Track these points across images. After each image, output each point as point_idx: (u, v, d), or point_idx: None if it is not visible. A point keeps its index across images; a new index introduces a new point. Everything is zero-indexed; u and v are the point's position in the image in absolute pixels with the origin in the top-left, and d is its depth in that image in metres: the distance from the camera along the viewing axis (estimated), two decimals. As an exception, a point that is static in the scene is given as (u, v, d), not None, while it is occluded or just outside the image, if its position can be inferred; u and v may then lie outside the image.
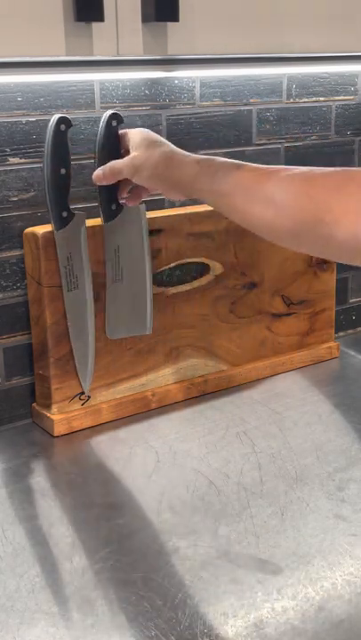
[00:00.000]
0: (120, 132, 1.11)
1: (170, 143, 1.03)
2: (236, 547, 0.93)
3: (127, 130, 1.09)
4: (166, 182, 1.01)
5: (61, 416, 1.21)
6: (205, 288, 1.32)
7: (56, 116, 1.10)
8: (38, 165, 1.19)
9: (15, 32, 0.82)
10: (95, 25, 0.86)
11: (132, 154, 1.04)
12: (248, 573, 0.88)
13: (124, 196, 1.15)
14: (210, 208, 1.30)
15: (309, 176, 0.81)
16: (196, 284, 1.31)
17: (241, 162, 0.93)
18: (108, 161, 1.14)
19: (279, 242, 0.86)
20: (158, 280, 1.27)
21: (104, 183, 1.09)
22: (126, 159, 1.04)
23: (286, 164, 1.37)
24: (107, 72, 1.16)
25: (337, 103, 1.49)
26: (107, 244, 1.20)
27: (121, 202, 1.15)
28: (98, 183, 1.10)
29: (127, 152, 1.07)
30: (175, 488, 1.06)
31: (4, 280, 1.20)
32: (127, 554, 0.92)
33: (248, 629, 0.80)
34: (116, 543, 0.94)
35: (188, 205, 1.34)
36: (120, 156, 1.09)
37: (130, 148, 1.06)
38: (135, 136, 1.05)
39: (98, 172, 1.09)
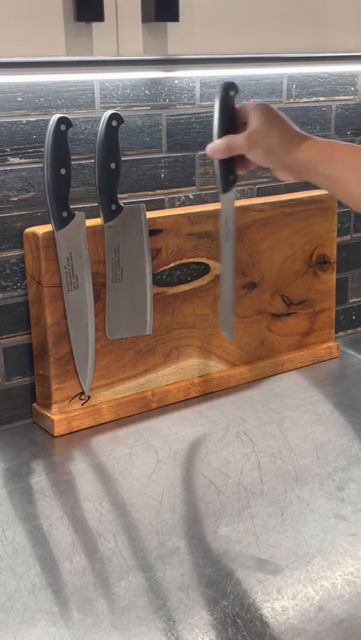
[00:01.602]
0: (237, 105, 1.06)
1: (291, 122, 1.01)
2: (236, 547, 0.93)
3: (246, 104, 1.05)
4: (280, 163, 0.99)
5: (61, 416, 1.21)
6: (205, 288, 1.32)
7: (56, 116, 1.10)
8: (38, 165, 1.19)
9: (15, 32, 0.82)
10: (95, 25, 0.86)
11: (250, 129, 1.01)
12: (248, 573, 0.88)
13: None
14: (210, 208, 1.31)
15: None
16: (196, 284, 1.31)
17: (358, 146, 0.93)
18: (107, 161, 1.14)
19: None
20: (158, 280, 1.27)
21: (218, 157, 1.06)
22: (243, 135, 1.01)
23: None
24: (107, 72, 1.16)
25: (337, 103, 1.49)
26: (107, 244, 1.20)
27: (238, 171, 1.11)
28: (212, 157, 1.06)
29: (243, 126, 1.03)
30: (175, 488, 1.06)
31: (3, 280, 1.20)
32: (127, 554, 0.92)
33: (248, 629, 0.80)
34: (115, 543, 0.94)
35: (189, 205, 1.34)
36: (235, 131, 1.05)
37: (249, 122, 1.02)
38: (255, 111, 1.01)
39: (213, 145, 1.05)
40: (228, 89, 1.06)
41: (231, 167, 1.11)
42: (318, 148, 0.96)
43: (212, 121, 1.10)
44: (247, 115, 1.03)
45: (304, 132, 0.99)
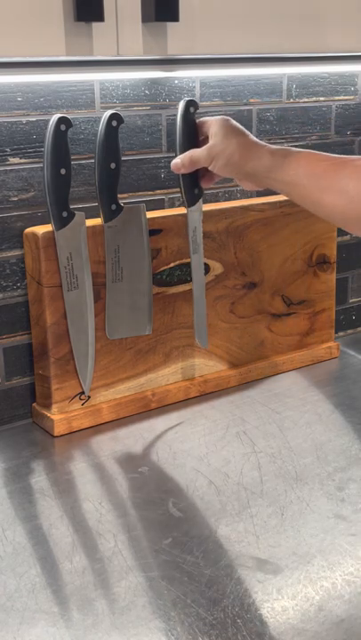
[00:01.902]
0: (199, 120, 1.11)
1: (248, 133, 1.04)
2: (236, 547, 0.93)
3: (207, 118, 1.09)
4: (241, 172, 1.03)
5: (61, 416, 1.21)
6: (205, 288, 1.32)
7: (56, 116, 1.10)
8: (38, 165, 1.19)
9: (15, 32, 0.82)
10: (95, 25, 0.86)
11: (210, 143, 1.05)
12: (248, 573, 0.88)
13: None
14: (210, 208, 1.31)
15: None
16: (196, 283, 1.31)
17: (314, 152, 0.96)
18: (107, 161, 1.14)
19: (351, 229, 0.90)
20: (158, 280, 1.27)
21: (182, 171, 1.11)
22: (204, 148, 1.06)
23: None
24: (107, 72, 1.16)
25: (337, 103, 1.49)
26: (107, 243, 1.20)
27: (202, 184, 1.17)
28: (176, 172, 1.12)
29: (206, 140, 1.08)
30: (175, 488, 1.06)
31: (3, 280, 1.20)
32: (127, 554, 0.92)
33: (248, 629, 0.80)
34: (115, 543, 0.94)
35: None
36: (196, 145, 1.11)
37: (209, 136, 1.06)
38: (214, 125, 1.06)
39: (177, 160, 1.10)
40: (189, 105, 1.12)
41: (196, 181, 1.17)
42: (274, 155, 0.98)
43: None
44: (208, 128, 1.07)
45: (262, 142, 1.03)
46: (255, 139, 1.03)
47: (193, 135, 1.13)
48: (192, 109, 1.13)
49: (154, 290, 1.26)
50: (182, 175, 1.16)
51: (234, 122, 1.06)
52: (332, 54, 1.13)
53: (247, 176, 1.03)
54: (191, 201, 1.21)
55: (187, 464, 1.12)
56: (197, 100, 1.31)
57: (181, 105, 1.12)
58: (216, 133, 1.04)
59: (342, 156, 0.93)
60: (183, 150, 1.11)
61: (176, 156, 1.12)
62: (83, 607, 0.84)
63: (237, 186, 1.40)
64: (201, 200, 1.22)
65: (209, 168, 1.07)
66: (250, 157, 1.00)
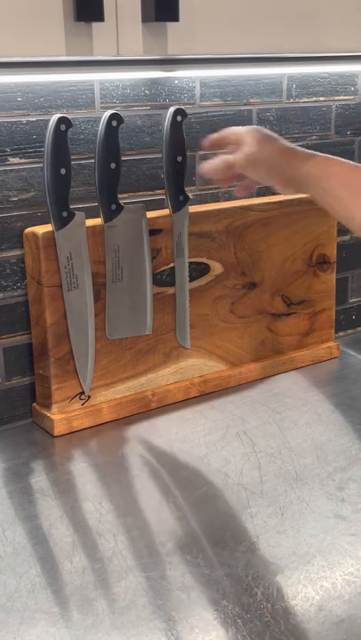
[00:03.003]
0: (224, 129, 1.09)
1: (281, 138, 1.04)
2: (237, 547, 0.93)
3: (234, 127, 1.08)
4: (281, 177, 1.02)
5: (61, 416, 1.21)
6: (205, 288, 1.32)
7: (56, 116, 1.10)
8: (38, 165, 1.19)
9: (15, 32, 0.82)
10: (95, 25, 0.86)
11: (245, 149, 1.04)
12: (248, 573, 0.88)
13: (230, 185, 1.15)
14: (210, 208, 1.31)
15: None
16: (195, 284, 1.31)
17: (347, 162, 0.96)
18: (107, 161, 1.14)
19: None
20: (158, 280, 1.27)
21: (215, 176, 1.09)
22: (239, 153, 1.05)
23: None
24: (107, 72, 1.16)
25: (337, 103, 1.49)
26: (107, 244, 1.20)
27: (235, 193, 1.15)
28: (208, 177, 1.10)
29: (232, 147, 1.07)
30: (175, 488, 1.06)
31: (3, 280, 1.20)
32: (127, 554, 0.92)
33: (248, 629, 0.80)
34: (115, 543, 0.94)
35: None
36: (183, 152, 1.11)
37: (243, 143, 1.05)
38: (247, 132, 1.05)
39: (209, 166, 1.08)
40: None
41: (181, 187, 1.21)
42: (316, 161, 0.98)
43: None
44: (238, 136, 1.06)
45: (298, 147, 1.02)
46: (290, 144, 1.03)
47: (180, 143, 1.16)
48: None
49: (154, 290, 1.26)
50: (167, 181, 1.17)
51: (265, 129, 1.05)
52: (332, 54, 1.13)
53: (289, 181, 1.01)
54: (176, 207, 1.24)
55: (187, 464, 1.12)
56: (197, 100, 1.32)
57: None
58: (252, 139, 1.04)
59: None
60: (169, 158, 1.11)
61: (162, 158, 1.11)
62: (83, 607, 0.84)
63: (237, 185, 1.40)
64: (187, 206, 1.24)
65: (246, 174, 1.05)
66: (292, 163, 1.00)
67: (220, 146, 1.08)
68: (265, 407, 1.29)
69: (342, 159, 0.97)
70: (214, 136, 1.09)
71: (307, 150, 1.01)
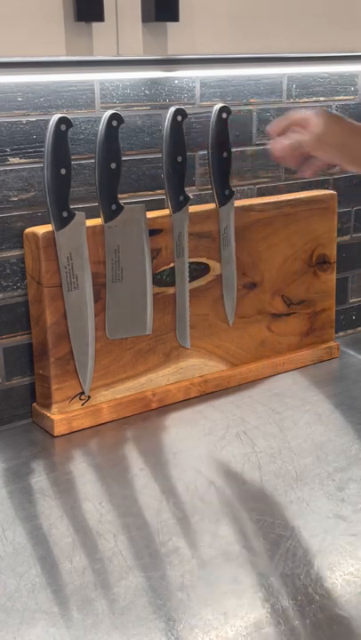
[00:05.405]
0: (288, 113, 1.09)
1: (350, 118, 1.04)
2: (236, 547, 0.93)
3: (299, 111, 1.08)
4: (351, 155, 1.03)
5: (61, 416, 1.21)
6: (205, 288, 1.32)
7: (56, 116, 1.10)
8: (38, 165, 1.19)
9: (15, 32, 0.82)
10: (95, 25, 0.86)
11: (318, 130, 1.04)
12: (248, 573, 0.88)
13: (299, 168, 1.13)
14: (210, 208, 1.31)
15: None
16: (195, 284, 1.31)
17: None
18: (107, 161, 1.14)
19: None
20: (158, 280, 1.27)
21: (283, 155, 1.07)
22: (308, 134, 1.04)
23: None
24: (107, 72, 1.16)
25: (337, 103, 1.49)
26: (107, 243, 1.20)
27: (300, 173, 1.13)
28: (277, 154, 1.08)
29: (298, 127, 1.06)
30: (175, 488, 1.06)
31: (4, 280, 1.20)
32: (127, 554, 0.92)
33: (248, 629, 0.80)
34: (115, 543, 0.94)
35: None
36: (183, 151, 1.10)
37: (312, 124, 1.04)
38: (318, 115, 1.05)
39: (278, 145, 1.07)
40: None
41: (181, 188, 1.21)
42: None
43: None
44: (306, 119, 1.05)
45: None
46: (357, 123, 1.03)
47: (180, 143, 1.16)
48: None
49: (154, 290, 1.26)
50: (167, 182, 1.17)
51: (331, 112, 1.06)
52: (332, 54, 1.13)
53: (357, 159, 1.02)
54: (176, 207, 1.24)
55: (187, 464, 1.12)
56: (197, 100, 1.32)
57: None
58: (319, 119, 1.04)
59: None
60: (169, 158, 1.11)
61: (162, 159, 1.11)
62: (83, 607, 0.84)
63: (236, 186, 1.40)
64: (187, 206, 1.24)
65: (314, 152, 1.05)
66: (358, 141, 1.01)
67: (286, 130, 1.08)
68: (265, 407, 1.29)
69: None
70: (280, 120, 1.09)
71: None
